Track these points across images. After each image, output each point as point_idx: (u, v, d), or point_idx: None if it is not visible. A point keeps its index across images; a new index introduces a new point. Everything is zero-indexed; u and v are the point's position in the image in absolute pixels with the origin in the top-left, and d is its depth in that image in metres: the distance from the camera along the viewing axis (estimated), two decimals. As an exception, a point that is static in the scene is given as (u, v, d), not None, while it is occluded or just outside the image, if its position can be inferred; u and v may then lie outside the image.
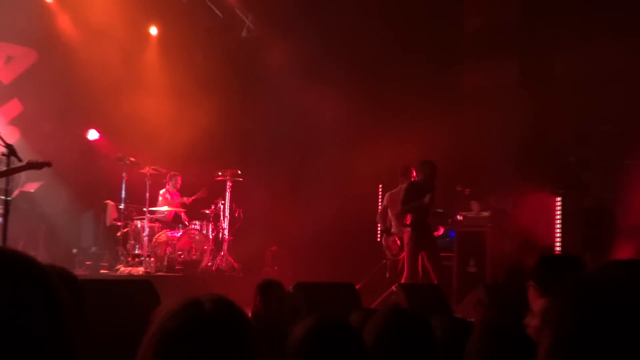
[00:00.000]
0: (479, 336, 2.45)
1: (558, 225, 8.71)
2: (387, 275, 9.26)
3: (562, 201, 8.85)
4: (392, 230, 8.34)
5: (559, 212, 8.77)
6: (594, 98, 8.83)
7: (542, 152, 9.34)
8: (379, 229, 10.52)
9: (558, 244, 8.63)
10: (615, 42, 8.44)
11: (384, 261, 9.72)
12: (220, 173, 10.18)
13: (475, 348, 2.42)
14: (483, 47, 10.35)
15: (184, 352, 1.18)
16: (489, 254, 8.66)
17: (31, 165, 5.23)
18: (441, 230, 8.25)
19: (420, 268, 7.73)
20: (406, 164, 8.54)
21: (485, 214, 8.90)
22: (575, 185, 9.06)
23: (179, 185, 10.24)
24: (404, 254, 7.90)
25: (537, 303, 3.23)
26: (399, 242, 8.30)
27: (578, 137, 9.31)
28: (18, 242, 8.73)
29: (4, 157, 5.06)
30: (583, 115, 9.17)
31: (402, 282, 7.33)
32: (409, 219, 7.74)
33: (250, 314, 2.59)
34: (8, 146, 5.03)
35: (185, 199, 10.14)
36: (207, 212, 10.10)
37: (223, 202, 10.16)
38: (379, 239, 10.40)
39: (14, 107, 10.41)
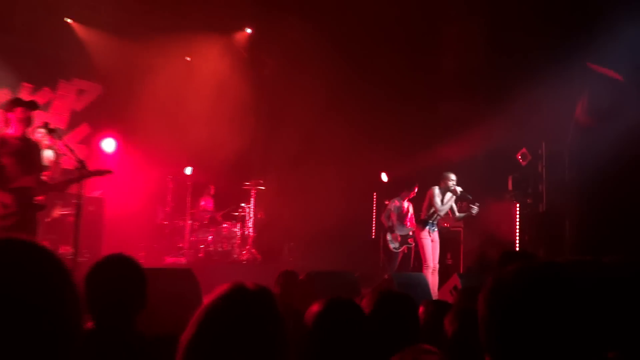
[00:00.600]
0: (453, 316, 2.46)
1: (517, 227, 8.70)
2: (381, 265, 9.26)
3: (520, 207, 8.84)
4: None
5: (517, 216, 8.76)
6: (545, 124, 8.84)
7: (505, 169, 9.33)
8: (373, 227, 10.55)
9: (517, 242, 8.61)
10: (558, 79, 8.42)
11: (379, 254, 9.74)
12: (246, 183, 10.21)
13: (451, 326, 2.43)
14: (455, 84, 10.36)
15: (229, 320, 1.20)
16: (462, 249, 8.67)
17: (98, 172, 5.22)
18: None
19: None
20: (412, 179, 8.55)
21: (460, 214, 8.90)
22: (531, 195, 9.05)
23: (212, 193, 10.27)
24: (414, 247, 7.88)
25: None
26: (399, 238, 8.29)
27: (533, 156, 9.31)
28: (86, 238, 8.73)
29: (77, 169, 5.05)
30: (537, 138, 9.17)
31: (423, 270, 7.31)
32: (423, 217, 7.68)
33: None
34: (80, 161, 5.03)
35: (217, 215, 10.14)
36: (236, 214, 10.12)
37: (248, 206, 10.17)
38: (373, 237, 10.41)
39: (84, 129, 10.47)
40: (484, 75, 9.97)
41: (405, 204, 8.61)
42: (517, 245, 8.53)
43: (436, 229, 7.66)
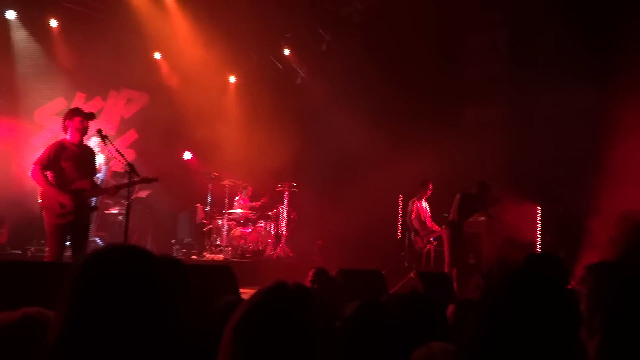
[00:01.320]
0: (476, 317, 2.40)
1: (538, 229, 8.52)
2: (406, 264, 9.18)
3: (541, 210, 8.66)
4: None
5: (539, 219, 8.58)
6: (567, 129, 8.64)
7: (526, 172, 9.16)
8: (399, 228, 10.47)
9: (538, 243, 8.43)
10: (582, 86, 8.23)
11: (402, 253, 9.66)
12: (280, 185, 10.25)
13: (473, 325, 2.37)
14: (478, 91, 10.21)
15: (264, 319, 1.21)
16: (484, 249, 8.52)
17: (144, 180, 5.33)
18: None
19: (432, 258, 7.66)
20: (425, 178, 8.47)
21: (482, 219, 8.76)
22: (551, 198, 8.86)
23: (249, 194, 10.35)
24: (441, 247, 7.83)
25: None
26: (424, 238, 8.22)
27: (553, 160, 9.11)
28: (133, 235, 8.91)
29: (126, 172, 5.16)
30: (558, 143, 8.97)
31: (445, 270, 7.24)
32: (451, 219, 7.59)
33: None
34: (129, 164, 5.13)
35: (254, 203, 10.24)
36: (270, 214, 10.17)
37: (282, 206, 10.22)
38: (399, 237, 10.33)
39: (131, 135, 10.68)
40: (507, 82, 9.81)
41: (424, 203, 8.52)
42: (539, 246, 8.35)
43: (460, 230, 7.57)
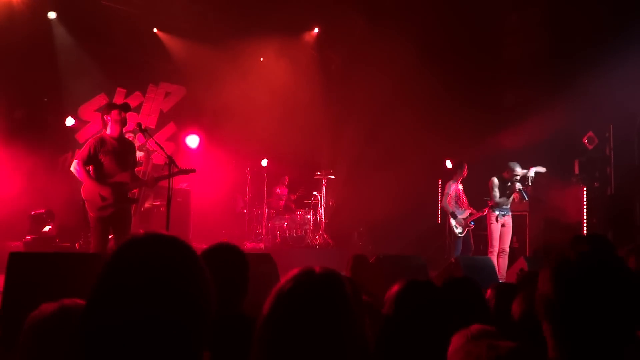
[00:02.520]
0: (521, 299, 2.34)
1: (584, 210, 8.21)
2: (446, 249, 9.02)
3: (587, 191, 8.33)
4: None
5: (585, 200, 8.26)
6: (612, 107, 8.26)
7: (571, 152, 8.83)
8: (438, 213, 10.30)
9: (585, 225, 8.13)
10: (625, 61, 7.83)
11: (443, 239, 9.49)
12: (318, 173, 10.24)
13: (519, 308, 2.31)
14: (519, 71, 9.89)
15: (295, 305, 1.19)
16: (528, 232, 8.28)
17: (183, 171, 5.38)
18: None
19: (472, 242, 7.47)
20: (460, 160, 8.27)
21: (525, 201, 8.51)
22: (598, 178, 8.52)
23: (286, 183, 10.38)
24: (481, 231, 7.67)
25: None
26: (462, 222, 8.04)
27: (600, 139, 8.75)
28: (175, 226, 9.05)
29: (166, 164, 5.23)
30: (602, 121, 8.61)
31: (488, 254, 7.10)
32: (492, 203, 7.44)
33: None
34: (169, 157, 5.19)
35: (291, 195, 10.28)
36: (308, 202, 10.19)
37: (320, 194, 10.21)
38: (439, 222, 10.17)
39: (170, 128, 10.86)
40: (548, 60, 9.45)
41: (460, 186, 8.33)
42: (585, 228, 8.05)
43: (508, 214, 7.35)
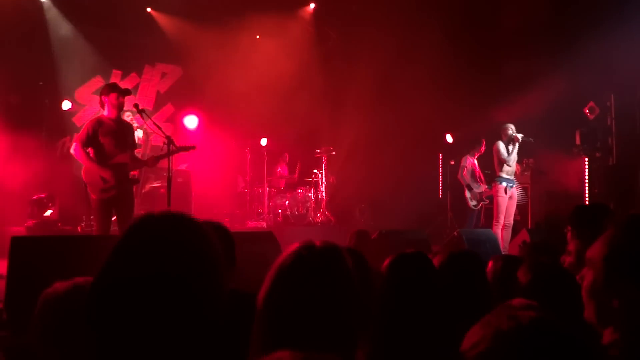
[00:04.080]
0: (527, 268, 2.35)
1: (586, 181, 8.20)
2: (448, 223, 9.06)
3: (589, 161, 8.31)
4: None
5: (587, 170, 8.25)
6: (614, 75, 8.19)
7: (572, 122, 8.78)
8: (440, 187, 10.30)
9: (587, 196, 8.13)
10: (630, 26, 7.73)
11: (445, 213, 9.52)
12: (318, 150, 10.21)
13: (525, 277, 2.32)
14: (518, 40, 9.77)
15: (296, 278, 1.20)
16: (530, 205, 8.29)
17: (182, 149, 5.37)
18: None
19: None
20: (478, 136, 8.25)
21: (526, 173, 8.51)
22: (599, 148, 8.49)
23: (286, 160, 10.36)
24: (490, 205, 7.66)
25: (572, 244, 3.04)
26: (478, 196, 8.03)
27: (601, 108, 8.70)
28: (176, 207, 9.07)
29: (165, 144, 5.21)
30: (604, 90, 8.54)
31: (492, 227, 7.09)
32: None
33: (346, 248, 2.59)
34: (167, 137, 5.17)
35: (292, 175, 10.26)
36: (309, 179, 10.18)
37: (321, 171, 10.19)
38: (440, 196, 10.17)
39: (168, 109, 10.80)
40: (548, 28, 9.33)
41: (476, 161, 8.30)
42: (587, 199, 8.05)
43: (514, 185, 7.31)
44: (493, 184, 7.32)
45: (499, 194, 7.15)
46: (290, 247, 1.29)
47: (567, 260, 2.95)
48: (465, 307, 1.92)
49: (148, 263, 0.92)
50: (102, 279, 0.93)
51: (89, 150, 4.94)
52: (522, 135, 7.16)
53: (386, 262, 1.92)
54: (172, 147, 5.17)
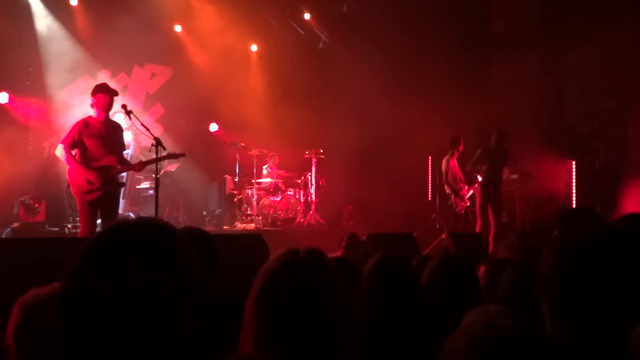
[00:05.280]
0: (511, 271, 2.37)
1: (573, 184, 8.28)
2: (437, 226, 9.08)
3: (576, 164, 8.39)
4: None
5: (574, 174, 8.33)
6: (600, 80, 8.29)
7: (558, 126, 8.86)
8: (429, 190, 10.34)
9: (574, 199, 8.20)
10: (616, 34, 7.83)
11: (433, 215, 9.55)
12: (307, 152, 10.19)
13: (506, 283, 2.34)
14: (507, 44, 9.85)
15: (281, 285, 1.20)
16: (517, 208, 8.35)
17: (171, 156, 5.35)
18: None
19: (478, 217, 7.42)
20: (455, 135, 8.26)
21: (514, 176, 8.56)
22: (586, 152, 8.58)
23: (277, 162, 10.34)
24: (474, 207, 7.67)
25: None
26: (467, 201, 8.04)
27: (588, 113, 8.79)
28: (165, 208, 9.05)
29: (153, 147, 5.18)
30: (591, 95, 8.63)
31: (477, 230, 7.10)
32: (482, 177, 7.44)
33: (335, 258, 2.59)
34: (156, 139, 5.15)
35: (282, 171, 10.24)
36: (299, 181, 10.15)
37: (310, 173, 10.17)
38: (429, 199, 10.20)
39: (158, 110, 10.73)
40: (536, 31, 9.41)
41: (456, 161, 8.33)
42: (574, 202, 8.12)
43: (494, 188, 7.35)
44: (478, 188, 7.39)
45: (484, 197, 7.22)
46: (275, 254, 1.29)
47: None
48: (457, 312, 1.93)
49: (117, 273, 0.89)
50: (69, 288, 0.91)
51: (75, 151, 4.90)
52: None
53: (368, 265, 1.93)
54: (161, 152, 5.14)
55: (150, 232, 0.96)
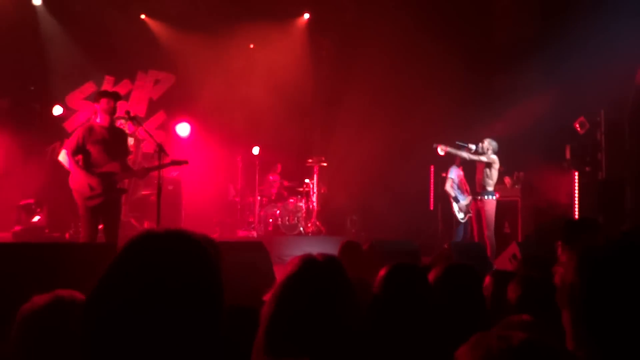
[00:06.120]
0: (516, 283, 2.36)
1: (576, 196, 8.24)
2: (439, 235, 9.05)
3: (578, 176, 8.37)
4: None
5: (576, 185, 8.30)
6: (604, 92, 8.28)
7: (562, 137, 8.85)
8: (431, 199, 10.32)
9: (576, 210, 8.17)
10: (620, 44, 7.84)
11: (435, 224, 9.52)
12: (309, 160, 10.20)
13: (514, 294, 2.32)
14: (509, 55, 9.87)
15: (304, 287, 1.27)
16: (520, 218, 8.32)
17: (174, 163, 5.35)
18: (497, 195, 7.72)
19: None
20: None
21: (517, 186, 8.54)
22: (589, 163, 8.55)
23: (279, 170, 10.34)
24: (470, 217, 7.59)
25: (563, 256, 3.06)
26: (464, 208, 7.99)
27: (591, 124, 8.78)
28: (166, 215, 9.00)
29: (156, 153, 5.17)
30: (595, 106, 8.63)
31: (485, 238, 6.96)
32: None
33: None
34: (158, 145, 5.14)
35: (284, 182, 10.23)
36: (300, 189, 10.15)
37: (312, 182, 10.17)
38: (431, 208, 10.18)
39: (160, 116, 10.75)
40: (539, 42, 9.42)
41: (461, 172, 8.29)
42: (577, 213, 8.09)
43: (486, 198, 7.27)
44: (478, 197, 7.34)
45: (491, 206, 7.13)
46: (292, 262, 1.34)
47: (560, 271, 2.96)
48: (462, 322, 1.91)
49: (146, 282, 0.89)
50: (97, 299, 0.90)
51: (78, 157, 4.90)
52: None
53: (381, 272, 1.93)
54: (164, 159, 5.14)
55: (178, 243, 0.96)
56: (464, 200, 8.01)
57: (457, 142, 7.08)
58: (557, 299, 1.14)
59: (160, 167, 5.12)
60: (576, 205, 8.16)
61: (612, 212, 7.83)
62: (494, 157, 7.00)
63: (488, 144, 7.00)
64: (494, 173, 7.01)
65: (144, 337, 0.86)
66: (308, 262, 1.31)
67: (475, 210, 7.11)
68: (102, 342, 0.86)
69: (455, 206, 7.98)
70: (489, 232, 6.89)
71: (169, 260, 0.92)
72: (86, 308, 0.90)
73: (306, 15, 11.20)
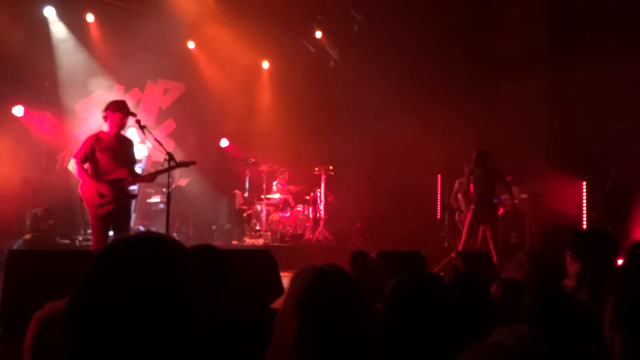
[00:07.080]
0: (532, 297, 2.33)
1: (584, 205, 8.20)
2: (446, 245, 9.01)
3: (587, 185, 8.32)
4: (462, 208, 7.92)
5: (584, 194, 8.25)
6: (611, 101, 8.26)
7: (569, 146, 8.81)
8: (438, 208, 10.29)
9: (584, 220, 8.12)
10: (628, 54, 7.83)
11: (442, 234, 9.49)
12: (316, 169, 10.20)
13: (528, 306, 2.30)
14: (516, 64, 9.87)
15: (317, 300, 1.28)
16: (527, 227, 8.28)
17: (182, 164, 5.36)
18: (501, 210, 7.69)
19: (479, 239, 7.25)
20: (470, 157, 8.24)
21: (524, 196, 8.51)
22: (597, 172, 8.51)
23: (287, 178, 10.35)
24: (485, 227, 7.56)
25: (573, 268, 3.03)
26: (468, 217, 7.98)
27: (598, 133, 8.75)
28: (175, 222, 9.07)
29: (166, 161, 5.20)
30: (602, 115, 8.60)
31: (492, 247, 6.95)
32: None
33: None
34: (168, 154, 5.18)
35: (292, 187, 10.24)
36: (308, 198, 10.15)
37: (319, 190, 10.17)
38: (439, 217, 10.15)
39: (170, 125, 10.82)
40: (547, 52, 9.42)
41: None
42: (585, 223, 8.04)
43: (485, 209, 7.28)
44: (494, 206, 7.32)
45: (498, 216, 7.13)
46: (301, 274, 1.35)
47: (569, 284, 2.95)
48: (471, 332, 1.90)
49: (122, 287, 0.89)
50: (74, 302, 0.90)
51: (87, 165, 4.95)
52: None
53: (393, 282, 1.92)
54: (172, 163, 5.18)
55: (153, 247, 0.96)
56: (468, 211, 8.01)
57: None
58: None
59: (169, 169, 5.16)
60: (584, 215, 8.11)
61: (620, 221, 7.78)
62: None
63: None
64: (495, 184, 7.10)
65: (119, 342, 0.86)
66: (321, 275, 1.32)
67: (481, 220, 7.11)
68: (78, 351, 0.87)
69: (457, 216, 7.99)
70: (495, 242, 6.88)
71: (141, 265, 0.92)
72: (62, 319, 0.90)
73: (315, 28, 11.20)
